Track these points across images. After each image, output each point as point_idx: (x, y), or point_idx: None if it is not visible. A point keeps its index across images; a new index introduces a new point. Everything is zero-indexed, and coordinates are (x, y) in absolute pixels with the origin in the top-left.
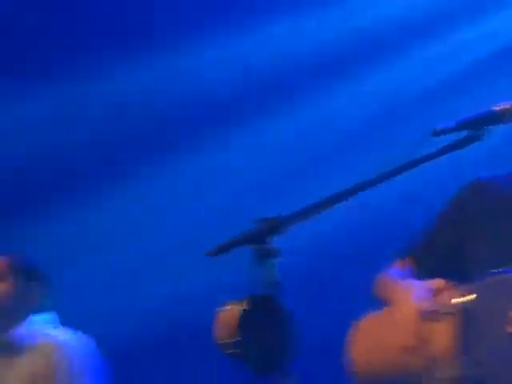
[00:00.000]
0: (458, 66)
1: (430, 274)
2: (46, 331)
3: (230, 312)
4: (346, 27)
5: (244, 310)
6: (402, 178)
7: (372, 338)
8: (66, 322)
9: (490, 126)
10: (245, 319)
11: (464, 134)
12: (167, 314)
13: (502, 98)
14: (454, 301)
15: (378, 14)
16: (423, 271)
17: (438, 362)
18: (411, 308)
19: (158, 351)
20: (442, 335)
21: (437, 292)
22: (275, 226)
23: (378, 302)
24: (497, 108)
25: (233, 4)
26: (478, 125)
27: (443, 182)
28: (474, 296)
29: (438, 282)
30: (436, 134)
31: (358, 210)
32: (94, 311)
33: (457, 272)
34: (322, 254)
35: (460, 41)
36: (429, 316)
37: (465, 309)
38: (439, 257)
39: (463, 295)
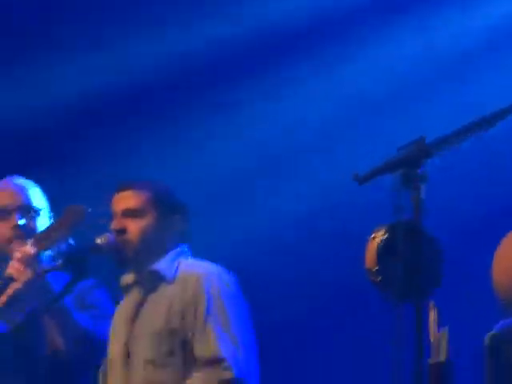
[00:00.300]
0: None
1: None
2: (189, 263)
3: (375, 240)
4: None
5: (383, 238)
6: None
7: None
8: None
9: None
10: (384, 248)
11: None
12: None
13: None
14: None
15: None
16: None
17: None
18: None
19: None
20: None
21: None
22: (424, 149)
23: None
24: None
25: None
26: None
27: None
28: None
29: None
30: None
31: None
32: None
33: None
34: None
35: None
36: None
37: None
38: None
39: None
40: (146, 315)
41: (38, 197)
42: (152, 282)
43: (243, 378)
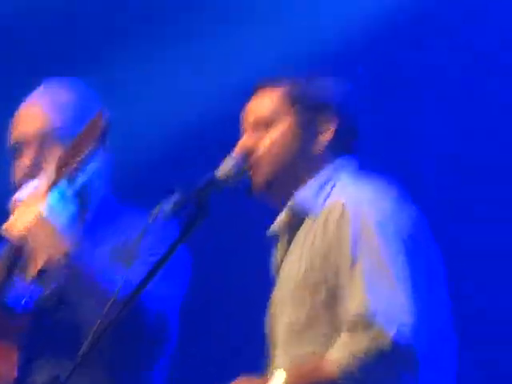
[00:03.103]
0: None
1: None
2: (345, 184)
3: None
4: None
5: None
6: None
7: None
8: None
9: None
10: None
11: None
12: None
13: None
14: None
15: None
16: None
17: None
18: None
19: None
20: None
21: None
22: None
23: None
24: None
25: None
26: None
27: None
28: None
29: None
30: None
31: None
32: None
33: None
34: None
35: None
36: None
37: None
38: None
39: None
40: (286, 265)
41: (63, 113)
42: (295, 220)
43: (409, 345)
